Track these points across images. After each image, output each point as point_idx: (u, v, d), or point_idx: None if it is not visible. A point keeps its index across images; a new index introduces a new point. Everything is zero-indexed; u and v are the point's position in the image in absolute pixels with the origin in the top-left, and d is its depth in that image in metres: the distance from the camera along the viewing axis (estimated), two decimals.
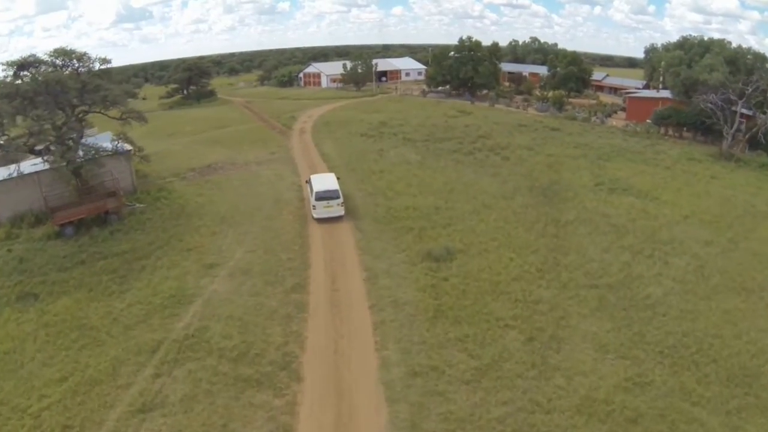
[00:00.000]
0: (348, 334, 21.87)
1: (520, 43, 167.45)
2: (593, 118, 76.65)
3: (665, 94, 77.92)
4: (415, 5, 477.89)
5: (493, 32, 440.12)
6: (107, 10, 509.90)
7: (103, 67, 37.10)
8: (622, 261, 28.47)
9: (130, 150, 38.57)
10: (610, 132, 67.10)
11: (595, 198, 38.32)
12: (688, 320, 23.39)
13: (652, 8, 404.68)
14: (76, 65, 36.14)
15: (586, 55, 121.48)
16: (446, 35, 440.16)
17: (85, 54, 36.27)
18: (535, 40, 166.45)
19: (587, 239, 31.19)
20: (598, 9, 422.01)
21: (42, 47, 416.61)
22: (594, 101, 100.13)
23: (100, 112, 37.44)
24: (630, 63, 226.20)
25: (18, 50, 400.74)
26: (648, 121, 72.93)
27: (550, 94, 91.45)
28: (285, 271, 27.00)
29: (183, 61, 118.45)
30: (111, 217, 34.62)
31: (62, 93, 32.93)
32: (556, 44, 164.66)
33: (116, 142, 35.43)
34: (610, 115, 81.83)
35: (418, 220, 32.94)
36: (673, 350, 21.19)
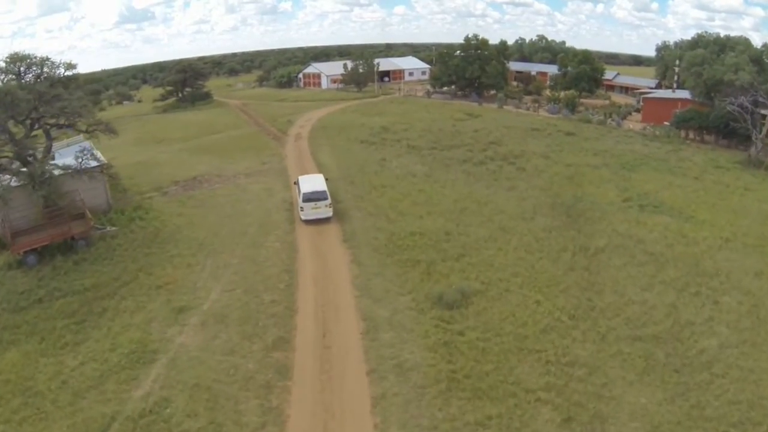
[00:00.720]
0: (340, 412, 17.42)
1: (527, 41, 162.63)
2: (609, 121, 72.07)
3: (684, 94, 73.52)
4: (417, 4, 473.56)
5: (496, 30, 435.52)
6: (109, 11, 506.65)
7: (68, 73, 32.78)
8: (667, 302, 23.98)
9: (101, 165, 34.29)
10: (629, 136, 62.53)
11: (626, 218, 33.85)
12: (751, 383, 18.95)
13: (655, 5, 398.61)
14: (37, 72, 31.93)
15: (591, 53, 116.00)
16: (449, 34, 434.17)
17: (47, 59, 32.05)
18: (542, 38, 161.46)
19: (623, 273, 26.71)
20: (600, 6, 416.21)
21: (45, 49, 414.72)
22: (606, 101, 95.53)
23: (66, 125, 33.15)
24: (635, 61, 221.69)
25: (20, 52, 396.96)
26: (666, 123, 68.60)
27: (562, 94, 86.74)
28: (267, 319, 22.56)
29: (178, 62, 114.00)
30: (78, 242, 30.49)
31: (14, 105, 28.56)
32: (564, 42, 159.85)
33: (80, 159, 31.00)
34: (625, 117, 77.25)
35: (426, 250, 28.39)
36: (741, 429, 16.80)
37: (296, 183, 35.84)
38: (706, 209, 36.58)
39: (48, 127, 33.73)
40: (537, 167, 44.83)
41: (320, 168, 45.08)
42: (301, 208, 32.75)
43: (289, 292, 24.73)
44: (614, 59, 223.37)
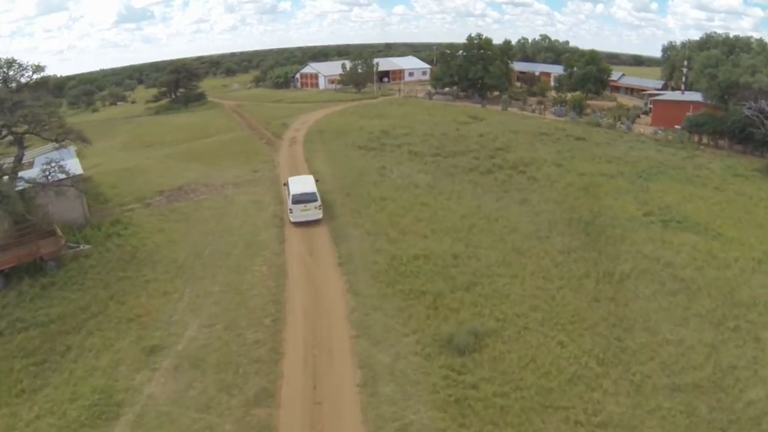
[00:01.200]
0: None
1: (530, 40, 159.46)
2: (618, 124, 69.01)
3: (695, 97, 70.51)
4: (417, 4, 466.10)
5: (496, 30, 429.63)
6: (108, 10, 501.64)
7: (37, 76, 29.72)
8: (705, 342, 20.99)
9: (72, 177, 31.28)
10: (641, 141, 59.67)
11: (649, 236, 30.84)
12: None
13: (654, 5, 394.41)
14: (4, 75, 28.93)
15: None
16: (448, 34, 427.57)
17: (13, 61, 28.99)
18: (545, 37, 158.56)
19: (653, 304, 23.70)
20: (600, 6, 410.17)
21: (43, 48, 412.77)
22: (613, 103, 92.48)
23: (33, 133, 30.12)
24: (636, 61, 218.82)
25: (19, 51, 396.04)
26: (677, 127, 65.74)
27: (569, 96, 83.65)
28: (249, 365, 19.47)
29: (170, 62, 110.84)
30: (48, 264, 27.63)
31: None
32: (567, 42, 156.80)
33: (47, 172, 27.95)
34: (634, 120, 74.20)
35: (432, 278, 25.11)
36: None
37: (286, 184, 35.23)
38: (733, 225, 33.90)
39: (19, 135, 30.79)
40: (549, 177, 41.72)
41: (316, 176, 42.07)
42: (290, 210, 32.04)
43: (275, 329, 21.59)
44: (615, 59, 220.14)
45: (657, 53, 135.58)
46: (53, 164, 27.88)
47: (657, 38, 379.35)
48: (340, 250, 28.37)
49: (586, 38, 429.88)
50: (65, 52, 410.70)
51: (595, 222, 32.55)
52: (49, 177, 27.78)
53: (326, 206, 34.23)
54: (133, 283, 25.96)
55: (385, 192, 37.40)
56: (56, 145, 31.08)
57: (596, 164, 46.43)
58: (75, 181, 30.00)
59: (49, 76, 32.86)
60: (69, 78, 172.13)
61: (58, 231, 29.48)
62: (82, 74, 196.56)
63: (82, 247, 29.96)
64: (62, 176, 28.29)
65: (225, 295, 24.36)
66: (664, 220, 33.67)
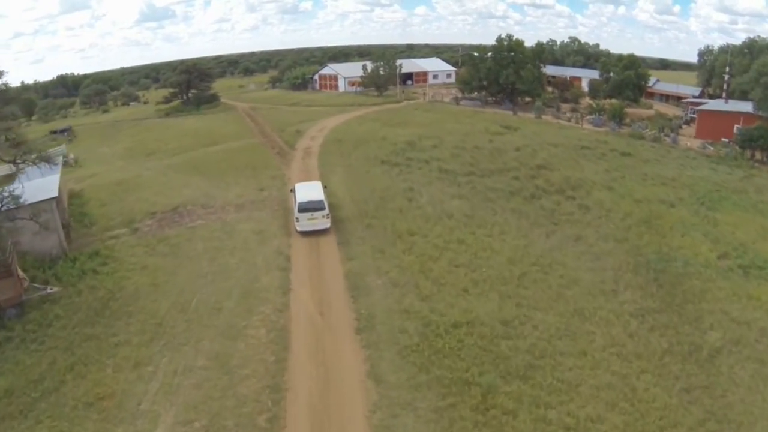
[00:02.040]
0: None
1: (558, 43, 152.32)
2: (663, 137, 62.89)
3: (745, 107, 64.40)
4: (438, 5, 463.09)
5: (518, 32, 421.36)
6: (131, 9, 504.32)
7: None
8: None
9: (41, 201, 26.33)
10: (691, 158, 53.88)
11: (732, 290, 25.06)
12: None
13: (677, 8, 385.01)
14: None
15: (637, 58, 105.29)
16: (470, 35, 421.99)
17: None
18: (574, 39, 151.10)
19: (756, 396, 17.99)
20: (622, 9, 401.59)
21: (66, 46, 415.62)
22: (651, 111, 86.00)
23: None
24: (662, 65, 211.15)
25: (41, 49, 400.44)
26: (725, 140, 59.91)
27: (606, 103, 77.56)
28: None
29: (181, 62, 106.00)
30: (7, 312, 22.79)
31: None
32: (597, 45, 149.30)
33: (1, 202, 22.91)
34: (677, 132, 68.02)
35: (479, 359, 19.17)
36: None
37: (292, 191, 33.86)
38: None
39: None
40: (602, 204, 35.78)
41: (331, 199, 36.50)
42: (297, 218, 30.71)
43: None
44: (642, 63, 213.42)
45: (680, 56, 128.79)
46: (6, 193, 22.72)
47: (680, 41, 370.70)
48: (359, 308, 22.64)
49: (608, 41, 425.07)
50: (87, 50, 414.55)
51: (667, 269, 26.76)
52: (2, 207, 22.68)
53: (344, 240, 29.69)
54: (99, 346, 20.82)
55: (413, 224, 31.65)
56: (13, 167, 26.00)
57: (650, 187, 40.59)
58: (34, 212, 24.85)
59: (8, 85, 27.70)
60: (85, 76, 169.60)
61: (19, 272, 24.45)
62: (101, 72, 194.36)
63: (49, 290, 25.12)
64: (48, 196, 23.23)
65: (210, 373, 18.89)
66: (743, 266, 28.08)
